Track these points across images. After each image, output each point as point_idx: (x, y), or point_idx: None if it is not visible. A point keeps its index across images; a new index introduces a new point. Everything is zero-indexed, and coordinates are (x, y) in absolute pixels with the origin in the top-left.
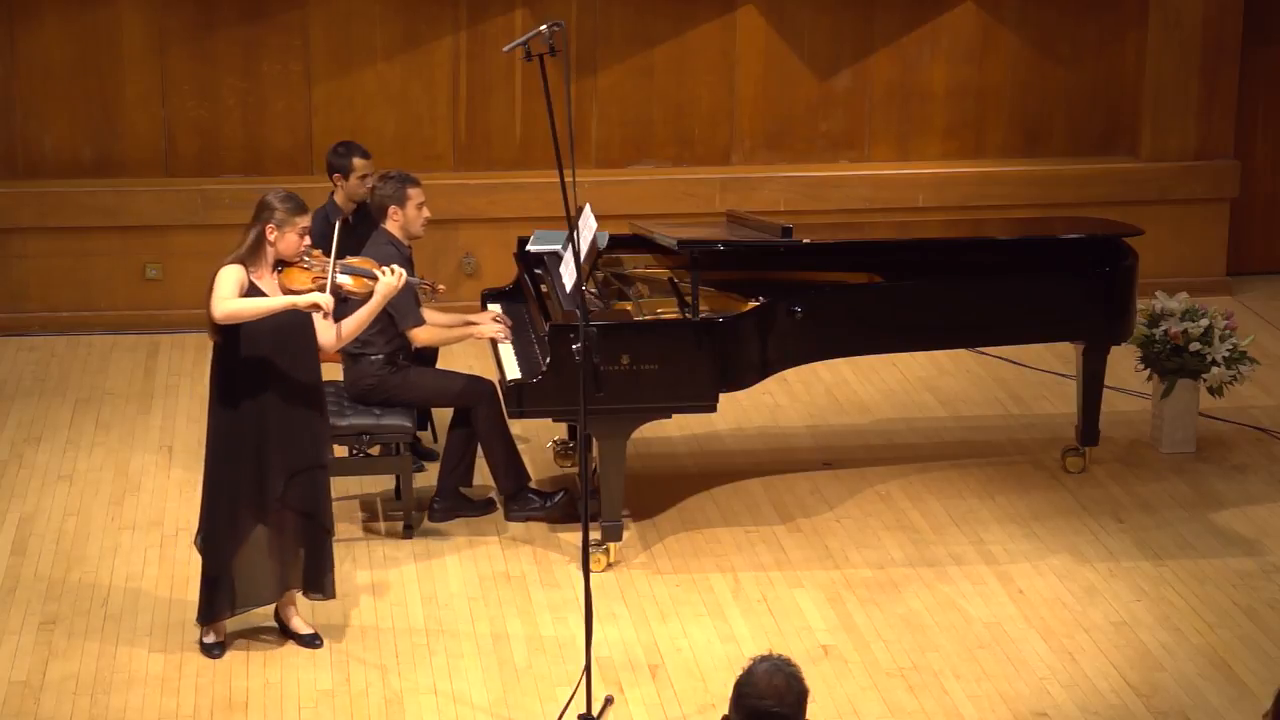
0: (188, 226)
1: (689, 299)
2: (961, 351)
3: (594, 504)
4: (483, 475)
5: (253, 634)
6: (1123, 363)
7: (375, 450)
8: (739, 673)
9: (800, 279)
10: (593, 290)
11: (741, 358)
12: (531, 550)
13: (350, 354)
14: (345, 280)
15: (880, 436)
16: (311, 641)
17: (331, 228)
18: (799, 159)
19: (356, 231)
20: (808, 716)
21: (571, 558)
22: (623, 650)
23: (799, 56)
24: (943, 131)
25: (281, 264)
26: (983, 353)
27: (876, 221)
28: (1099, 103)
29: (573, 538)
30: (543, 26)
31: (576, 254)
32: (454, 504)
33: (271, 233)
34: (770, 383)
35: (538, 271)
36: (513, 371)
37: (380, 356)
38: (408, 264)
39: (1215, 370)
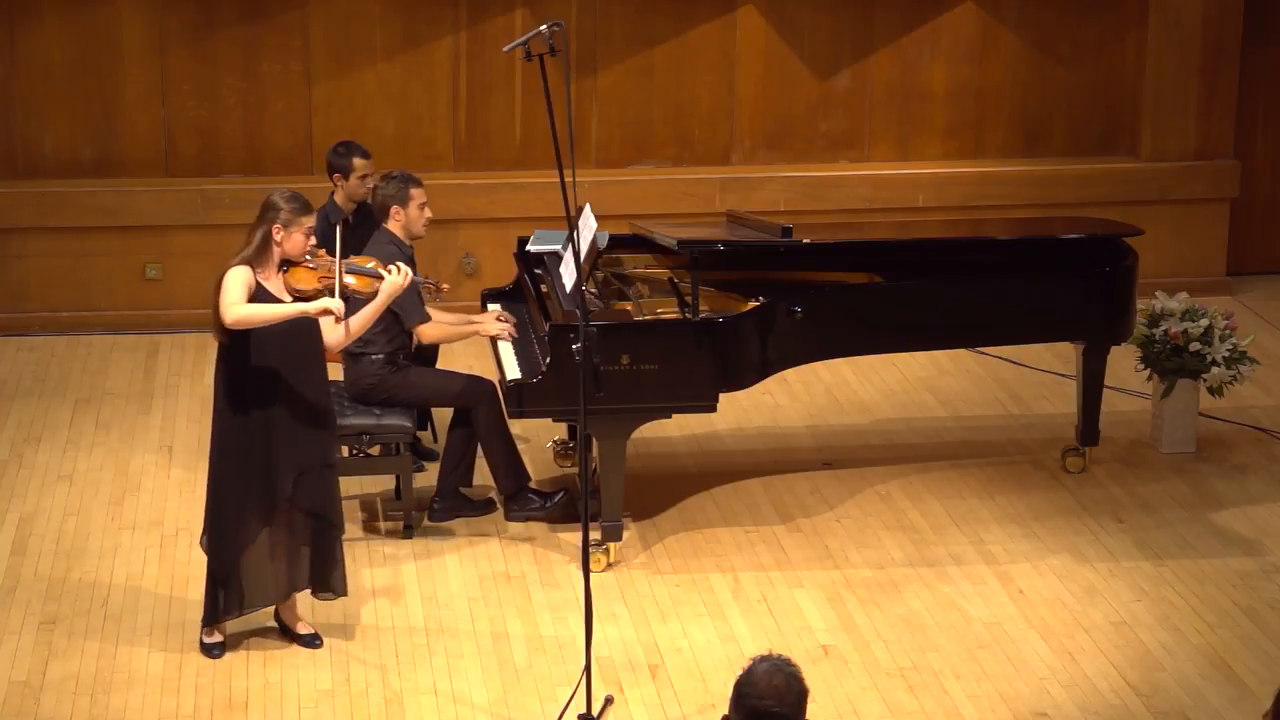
0: (188, 226)
1: (689, 299)
2: (961, 351)
3: (594, 504)
4: (483, 475)
5: (253, 634)
6: (1123, 363)
7: (375, 450)
8: (739, 673)
9: (800, 279)
10: (593, 290)
11: (741, 358)
12: (531, 550)
13: (350, 353)
14: (351, 280)
15: (880, 436)
16: (311, 641)
17: (332, 228)
18: (799, 159)
19: (357, 231)
20: (808, 716)
21: (571, 558)
22: (623, 650)
23: (799, 56)
24: (943, 131)
25: (287, 264)
26: (983, 353)
27: (876, 221)
28: (1099, 103)
29: (573, 538)
30: (543, 26)
31: (576, 254)
32: (454, 504)
33: (278, 233)
34: (770, 383)
35: (538, 271)
36: (513, 371)
37: (380, 356)
38: (410, 263)
39: (1215, 370)
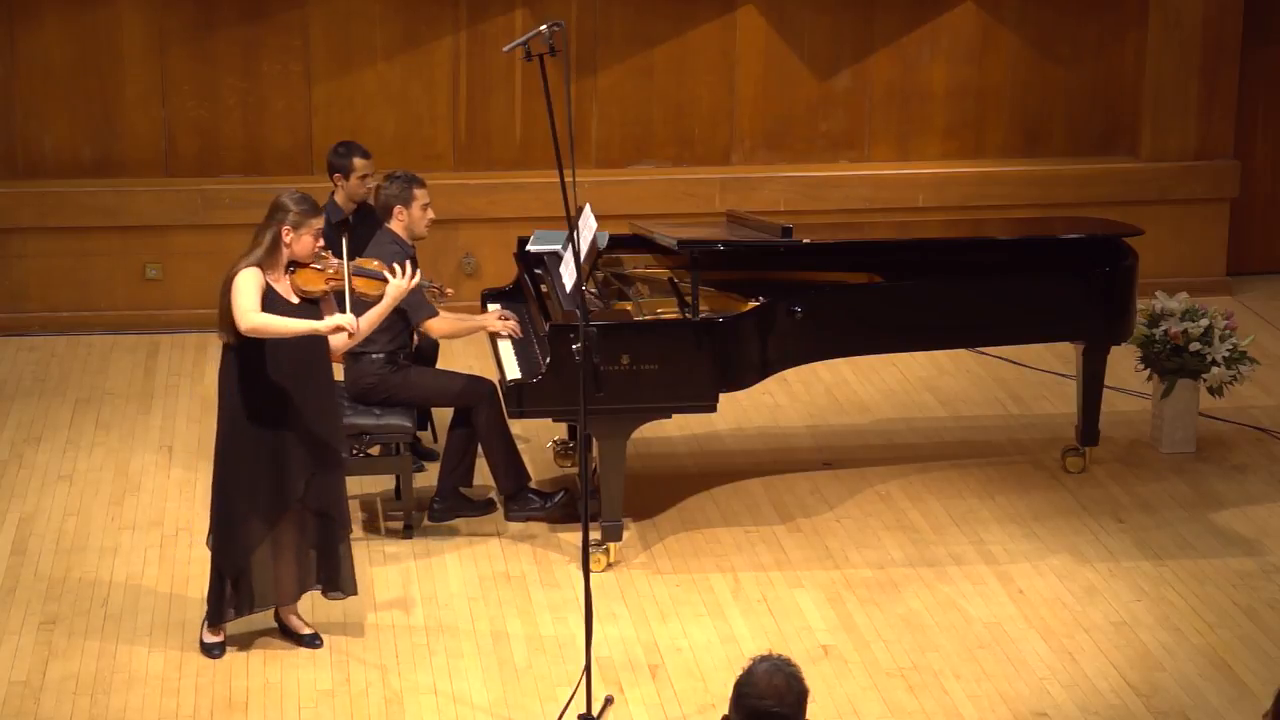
0: (188, 226)
1: (689, 299)
2: (961, 351)
3: (594, 504)
4: (483, 475)
5: (253, 634)
6: (1123, 363)
7: (375, 450)
8: (739, 673)
9: (800, 279)
10: (593, 290)
11: (741, 358)
12: (531, 550)
13: (351, 353)
14: (358, 283)
15: (880, 436)
16: (311, 641)
17: (334, 229)
18: (799, 159)
19: (358, 231)
20: (808, 716)
21: (571, 558)
22: (623, 650)
23: (799, 56)
24: (943, 131)
25: (294, 265)
26: (983, 353)
27: (876, 221)
28: (1099, 103)
29: (573, 538)
30: (543, 26)
31: (576, 254)
32: (454, 504)
33: (287, 234)
34: (770, 383)
35: (538, 271)
36: (513, 371)
37: (381, 355)
38: (412, 263)
39: (1215, 370)
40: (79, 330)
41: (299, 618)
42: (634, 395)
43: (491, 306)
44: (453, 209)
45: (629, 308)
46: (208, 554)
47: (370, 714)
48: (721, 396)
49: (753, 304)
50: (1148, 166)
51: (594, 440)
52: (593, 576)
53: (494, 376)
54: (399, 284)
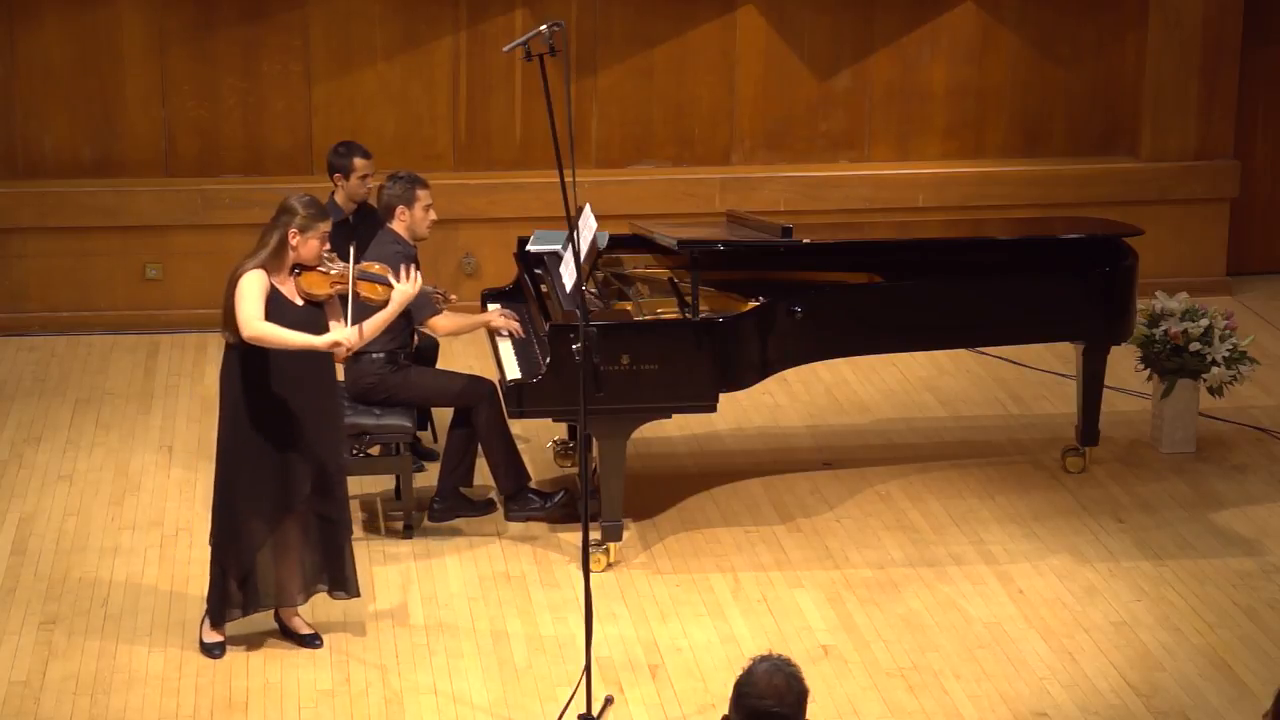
0: (188, 226)
1: (689, 299)
2: (961, 351)
3: (594, 504)
4: (483, 475)
5: (253, 634)
6: (1123, 363)
7: (375, 450)
8: (739, 673)
9: (800, 279)
10: (593, 290)
11: (741, 358)
12: (531, 550)
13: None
14: (363, 287)
15: (880, 436)
16: (311, 641)
17: (334, 229)
18: (799, 159)
19: (359, 231)
20: (808, 716)
21: (571, 558)
22: (623, 650)
23: (799, 56)
24: (943, 131)
25: (299, 267)
26: (983, 353)
27: (876, 221)
28: (1099, 103)
29: (573, 538)
30: (543, 26)
31: (576, 254)
32: (454, 504)
33: (294, 237)
34: (770, 383)
35: (538, 271)
36: (513, 371)
37: (381, 355)
38: (414, 263)
39: (1215, 370)
40: (79, 330)
41: (299, 618)
42: (634, 395)
43: (491, 306)
44: (453, 209)
45: (629, 308)
46: (208, 554)
47: (370, 714)
48: (721, 396)
49: (753, 304)
50: (1148, 166)
51: (594, 440)
52: (593, 576)
53: (494, 376)
54: (405, 289)
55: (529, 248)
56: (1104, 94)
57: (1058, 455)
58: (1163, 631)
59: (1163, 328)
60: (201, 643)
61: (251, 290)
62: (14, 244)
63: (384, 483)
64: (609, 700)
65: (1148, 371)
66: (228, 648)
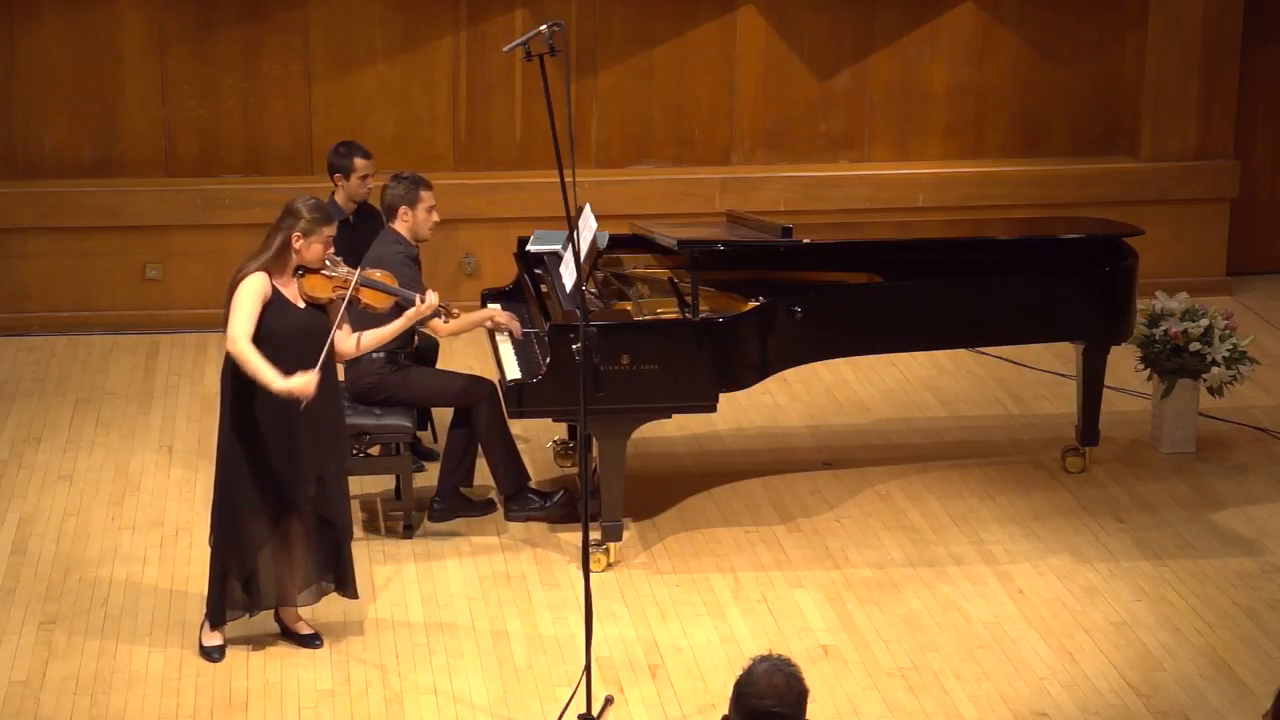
0: (188, 226)
1: (689, 299)
2: (961, 351)
3: (594, 504)
4: (483, 475)
5: (253, 634)
6: (1123, 363)
7: (375, 450)
8: (739, 673)
9: (800, 279)
10: (593, 290)
11: (741, 358)
12: (531, 550)
13: None
14: (365, 294)
15: (880, 436)
16: (311, 641)
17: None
18: (799, 159)
19: (359, 231)
20: (808, 716)
21: (571, 558)
22: (623, 650)
23: (799, 56)
24: (943, 131)
25: (302, 269)
26: (983, 353)
27: (876, 221)
28: (1099, 103)
29: (573, 538)
30: (543, 26)
31: (576, 254)
32: (454, 504)
33: (297, 240)
34: (770, 383)
35: (538, 271)
36: (513, 371)
37: (381, 355)
38: (415, 263)
39: (1215, 370)
40: (79, 330)
41: (299, 618)
42: (634, 395)
43: (492, 306)
44: (453, 209)
45: (629, 308)
46: (208, 554)
47: (370, 714)
48: (721, 396)
49: (753, 304)
50: (1148, 166)
51: (594, 440)
52: (593, 576)
53: (494, 376)
54: (419, 310)
55: (529, 248)
56: (1104, 94)
57: (1058, 455)
58: (1163, 631)
59: (1163, 328)
60: (201, 646)
61: (247, 301)
62: (14, 244)
63: (384, 483)
64: (609, 700)
65: (1148, 371)
66: (228, 648)
